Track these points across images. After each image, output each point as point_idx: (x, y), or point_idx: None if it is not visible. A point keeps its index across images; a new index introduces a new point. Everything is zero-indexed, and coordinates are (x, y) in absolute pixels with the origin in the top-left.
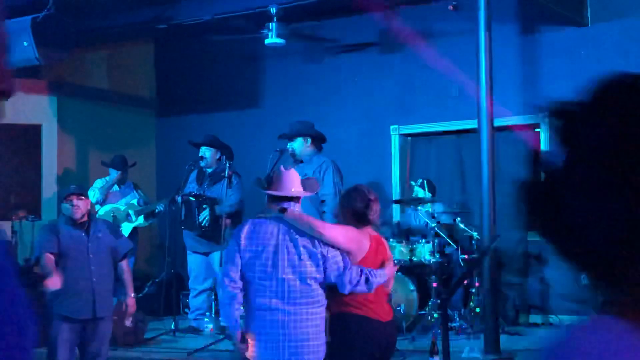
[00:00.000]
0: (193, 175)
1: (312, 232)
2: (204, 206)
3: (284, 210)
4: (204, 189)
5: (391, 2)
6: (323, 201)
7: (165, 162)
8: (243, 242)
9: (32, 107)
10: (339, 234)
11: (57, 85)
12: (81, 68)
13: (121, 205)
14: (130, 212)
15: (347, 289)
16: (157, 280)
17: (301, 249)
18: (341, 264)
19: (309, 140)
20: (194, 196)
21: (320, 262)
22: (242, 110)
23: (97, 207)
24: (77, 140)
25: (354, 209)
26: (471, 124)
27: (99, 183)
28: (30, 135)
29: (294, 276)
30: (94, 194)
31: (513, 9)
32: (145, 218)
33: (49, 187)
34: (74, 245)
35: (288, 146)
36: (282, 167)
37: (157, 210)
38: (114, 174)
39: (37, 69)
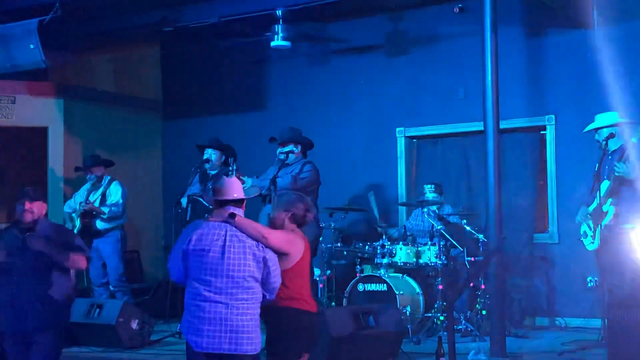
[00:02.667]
0: (196, 177)
1: (257, 237)
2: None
3: (233, 215)
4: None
5: (397, 5)
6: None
7: (171, 165)
8: (193, 241)
9: (38, 110)
10: (281, 238)
11: (63, 88)
12: (87, 70)
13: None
14: (74, 215)
15: (275, 292)
16: (163, 282)
17: (247, 250)
18: (279, 271)
19: (300, 147)
20: (201, 197)
21: (262, 265)
22: (248, 113)
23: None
24: (83, 142)
25: (295, 213)
26: (477, 126)
27: (68, 207)
28: (37, 137)
29: (237, 275)
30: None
31: (519, 12)
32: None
33: (55, 190)
34: (7, 251)
35: (278, 152)
36: (224, 177)
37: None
38: (91, 176)
39: (44, 71)
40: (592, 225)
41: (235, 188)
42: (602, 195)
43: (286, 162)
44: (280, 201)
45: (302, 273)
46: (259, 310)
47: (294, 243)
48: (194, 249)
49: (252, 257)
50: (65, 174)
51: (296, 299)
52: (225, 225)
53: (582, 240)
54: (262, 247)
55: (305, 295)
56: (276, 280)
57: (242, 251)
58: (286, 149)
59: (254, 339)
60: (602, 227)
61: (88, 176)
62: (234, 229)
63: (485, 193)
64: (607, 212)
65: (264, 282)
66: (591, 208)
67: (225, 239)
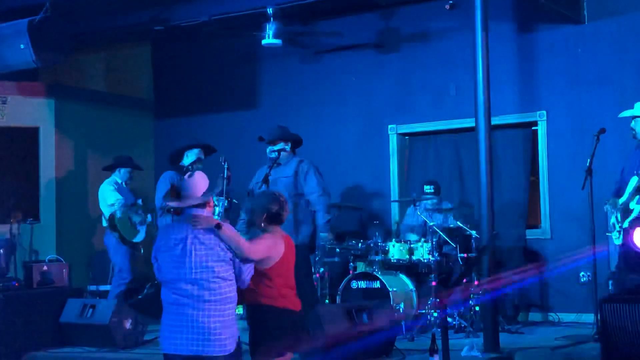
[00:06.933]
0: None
1: (239, 254)
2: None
3: (219, 226)
4: None
5: (388, 2)
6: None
7: (163, 164)
8: (161, 244)
9: (29, 110)
10: (261, 250)
11: (54, 88)
12: (78, 70)
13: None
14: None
15: (246, 283)
16: (156, 282)
17: (209, 252)
18: (252, 265)
19: (290, 144)
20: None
21: (230, 263)
22: (240, 111)
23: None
24: (74, 142)
25: (269, 212)
26: (469, 123)
27: (111, 197)
28: (28, 137)
29: (200, 277)
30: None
31: (510, 7)
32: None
33: (47, 190)
34: None
35: (268, 150)
36: (185, 178)
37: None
38: (124, 173)
39: (35, 71)
40: (619, 219)
41: (197, 189)
42: (629, 191)
43: (277, 160)
44: (254, 206)
45: (282, 271)
46: (231, 310)
47: (274, 246)
48: (160, 252)
49: (216, 259)
50: (56, 173)
51: (278, 297)
52: (187, 228)
53: (609, 235)
54: (226, 246)
55: (289, 293)
56: (249, 273)
57: (204, 254)
58: (276, 147)
59: (223, 340)
60: (627, 225)
61: (121, 175)
62: (197, 231)
63: (477, 189)
64: (632, 210)
65: (237, 277)
66: (621, 201)
67: (186, 243)
